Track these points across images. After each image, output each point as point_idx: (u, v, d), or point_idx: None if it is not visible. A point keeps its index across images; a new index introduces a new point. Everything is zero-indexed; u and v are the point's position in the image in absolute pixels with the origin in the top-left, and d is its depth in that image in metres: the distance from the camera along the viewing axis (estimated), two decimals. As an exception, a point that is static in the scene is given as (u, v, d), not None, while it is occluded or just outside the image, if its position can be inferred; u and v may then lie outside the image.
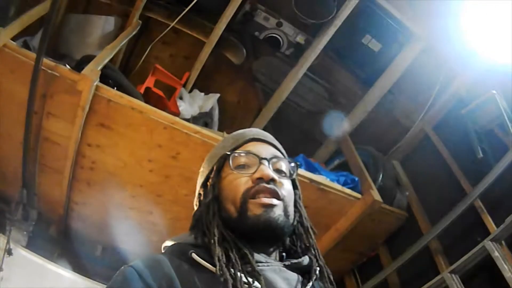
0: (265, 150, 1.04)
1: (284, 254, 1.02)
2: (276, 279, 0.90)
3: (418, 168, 3.18)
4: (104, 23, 3.23)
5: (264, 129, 2.81)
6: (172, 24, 3.08)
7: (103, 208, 2.83)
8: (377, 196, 2.72)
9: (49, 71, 2.24)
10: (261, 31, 3.04)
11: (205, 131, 2.50)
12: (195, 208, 1.06)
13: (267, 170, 0.97)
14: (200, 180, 1.10)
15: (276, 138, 1.12)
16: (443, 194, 2.98)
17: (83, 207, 2.92)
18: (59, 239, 3.05)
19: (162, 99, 2.97)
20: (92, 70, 2.26)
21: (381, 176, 2.92)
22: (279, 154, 1.07)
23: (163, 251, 0.99)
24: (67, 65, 2.33)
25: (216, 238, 0.91)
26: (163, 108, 2.72)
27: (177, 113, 2.93)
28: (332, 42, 2.94)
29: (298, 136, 3.35)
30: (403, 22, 2.96)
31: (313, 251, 1.02)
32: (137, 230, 2.84)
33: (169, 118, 2.44)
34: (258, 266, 0.89)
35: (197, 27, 3.12)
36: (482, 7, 2.70)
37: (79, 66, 2.44)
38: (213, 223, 0.95)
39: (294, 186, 1.06)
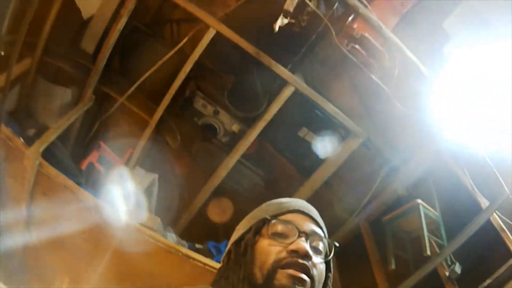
0: (307, 225, 1.03)
1: None
2: None
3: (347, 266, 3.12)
4: (63, 94, 3.41)
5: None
6: (121, 100, 3.21)
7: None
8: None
9: (7, 140, 2.55)
10: (199, 117, 3.11)
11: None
12: (221, 263, 1.07)
13: (304, 245, 0.96)
14: (234, 237, 1.10)
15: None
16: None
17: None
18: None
19: (102, 175, 3.10)
20: (36, 151, 2.51)
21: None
22: (320, 232, 1.05)
23: None
24: (21, 138, 2.62)
25: None
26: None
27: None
28: (266, 133, 2.98)
29: (233, 221, 3.36)
30: (341, 120, 2.97)
31: None
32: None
33: (92, 200, 2.56)
34: None
35: (142, 106, 3.24)
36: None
37: (37, 134, 2.78)
38: (239, 285, 0.95)
39: (328, 269, 1.04)
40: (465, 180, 2.72)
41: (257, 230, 1.03)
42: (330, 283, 1.03)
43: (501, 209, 2.42)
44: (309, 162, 3.09)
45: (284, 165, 3.30)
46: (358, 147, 3.02)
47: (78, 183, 2.65)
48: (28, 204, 2.65)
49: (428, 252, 2.50)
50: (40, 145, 2.59)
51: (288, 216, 1.04)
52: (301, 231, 0.99)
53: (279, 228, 1.00)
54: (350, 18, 2.88)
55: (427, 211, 2.73)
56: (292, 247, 0.95)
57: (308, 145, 3.07)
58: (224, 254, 1.09)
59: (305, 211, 1.07)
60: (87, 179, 3.06)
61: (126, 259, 2.64)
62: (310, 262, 0.95)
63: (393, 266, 2.66)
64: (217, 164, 3.08)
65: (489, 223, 2.43)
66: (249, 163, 3.20)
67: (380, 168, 3.11)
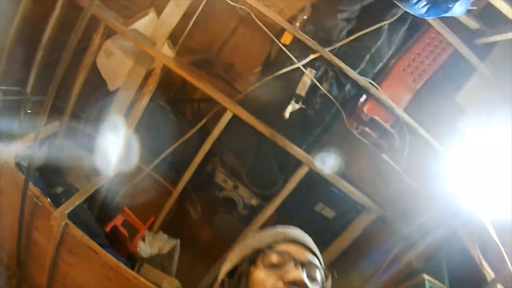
0: (303, 255, 1.01)
1: None
2: None
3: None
4: (89, 159, 3.61)
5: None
6: (147, 170, 3.41)
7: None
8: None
9: (35, 198, 2.75)
10: (220, 191, 3.27)
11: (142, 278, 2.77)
12: None
13: (301, 274, 0.94)
14: (226, 267, 1.06)
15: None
16: None
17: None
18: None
19: (125, 238, 3.29)
20: (62, 213, 2.70)
21: None
22: (316, 261, 1.03)
23: None
24: (48, 198, 2.80)
25: None
26: (125, 245, 3.16)
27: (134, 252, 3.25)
28: (284, 207, 3.09)
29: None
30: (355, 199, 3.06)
31: None
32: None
33: (114, 261, 2.75)
34: None
35: (167, 177, 3.43)
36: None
37: (65, 192, 3.06)
38: None
39: None
40: (474, 253, 2.74)
41: (251, 260, 1.00)
42: None
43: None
44: (326, 235, 3.17)
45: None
46: (374, 221, 3.09)
47: (101, 245, 2.82)
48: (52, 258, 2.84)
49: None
50: (67, 208, 2.79)
51: (283, 246, 1.01)
52: (298, 261, 0.97)
53: (275, 258, 0.98)
54: (361, 100, 2.98)
55: (433, 285, 2.75)
56: (289, 277, 0.93)
57: (324, 219, 3.16)
58: (216, 284, 1.05)
59: (300, 240, 1.05)
60: (111, 242, 3.23)
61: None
62: None
63: None
64: (237, 235, 3.21)
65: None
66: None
67: (397, 240, 3.15)
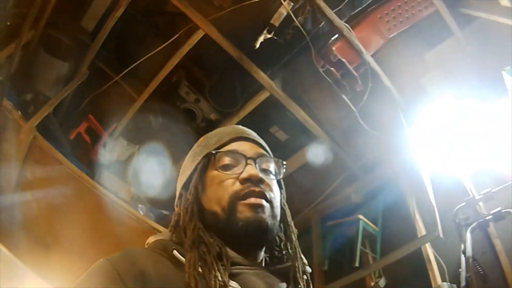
0: (251, 149, 0.99)
1: (268, 256, 0.98)
2: (258, 284, 0.87)
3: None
4: (60, 66, 3.53)
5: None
6: (116, 79, 3.41)
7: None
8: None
9: (7, 112, 2.79)
10: (182, 103, 3.35)
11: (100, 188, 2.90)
12: (176, 209, 1.00)
13: (255, 170, 0.93)
14: (181, 180, 1.03)
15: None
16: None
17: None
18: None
19: (88, 145, 3.38)
20: (31, 127, 2.78)
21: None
22: (265, 153, 1.02)
23: (146, 247, 0.95)
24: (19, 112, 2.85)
25: (190, 242, 0.87)
26: (88, 152, 3.29)
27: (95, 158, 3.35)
28: (241, 125, 3.20)
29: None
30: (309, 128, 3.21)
31: (291, 251, 0.97)
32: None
33: (76, 171, 2.86)
34: (240, 269, 0.87)
35: (133, 86, 3.46)
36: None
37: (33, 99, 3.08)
38: (190, 226, 0.90)
39: (279, 186, 1.02)
40: (410, 204, 2.97)
41: (203, 167, 0.98)
42: (284, 200, 1.01)
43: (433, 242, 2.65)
44: (276, 156, 3.34)
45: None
46: (324, 152, 3.29)
47: (66, 154, 2.91)
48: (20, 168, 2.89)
49: (357, 264, 2.85)
50: (36, 120, 2.84)
51: (232, 145, 1.00)
52: (248, 157, 0.96)
53: (226, 159, 0.96)
54: (333, 38, 3.02)
55: (367, 226, 3.04)
56: (244, 175, 0.92)
57: (277, 141, 3.37)
58: (176, 200, 1.03)
59: (245, 135, 1.04)
60: (74, 148, 3.32)
61: (101, 223, 2.92)
62: (264, 185, 0.93)
63: (325, 267, 3.01)
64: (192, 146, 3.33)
65: (419, 250, 2.69)
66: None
67: (342, 173, 3.36)
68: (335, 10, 2.91)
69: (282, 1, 2.82)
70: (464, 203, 2.67)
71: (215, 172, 0.95)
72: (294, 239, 0.99)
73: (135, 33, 3.24)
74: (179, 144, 3.56)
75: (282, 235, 0.99)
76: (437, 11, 3.11)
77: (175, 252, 0.85)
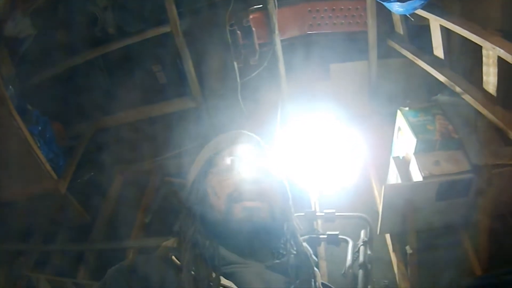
0: (249, 151, 1.04)
1: (274, 254, 0.98)
2: (254, 281, 0.88)
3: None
4: None
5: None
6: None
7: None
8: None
9: None
10: (92, 4, 3.14)
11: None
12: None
13: (251, 172, 0.97)
14: (187, 185, 1.08)
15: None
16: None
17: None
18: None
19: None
20: None
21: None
22: (264, 155, 1.06)
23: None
24: None
25: (186, 246, 0.91)
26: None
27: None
28: (128, 54, 3.17)
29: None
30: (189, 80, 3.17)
31: (295, 248, 1.00)
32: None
33: None
34: (235, 268, 0.89)
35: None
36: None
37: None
38: (190, 228, 0.94)
39: (280, 186, 1.04)
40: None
41: (205, 170, 1.03)
42: (286, 198, 1.04)
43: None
44: (150, 96, 3.34)
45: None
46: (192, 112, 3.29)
47: None
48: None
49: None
50: None
51: (231, 149, 1.05)
52: (246, 160, 1.01)
53: (224, 162, 1.01)
54: (255, 6, 3.00)
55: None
56: (237, 177, 0.96)
57: (155, 81, 3.33)
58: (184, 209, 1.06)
59: (245, 138, 1.10)
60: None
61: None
62: (259, 184, 0.96)
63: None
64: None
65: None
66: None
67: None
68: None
69: None
70: (303, 213, 2.58)
71: (215, 175, 0.99)
72: (297, 235, 1.02)
73: None
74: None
75: (285, 232, 1.01)
76: (365, 32, 3.17)
77: (173, 257, 0.90)
